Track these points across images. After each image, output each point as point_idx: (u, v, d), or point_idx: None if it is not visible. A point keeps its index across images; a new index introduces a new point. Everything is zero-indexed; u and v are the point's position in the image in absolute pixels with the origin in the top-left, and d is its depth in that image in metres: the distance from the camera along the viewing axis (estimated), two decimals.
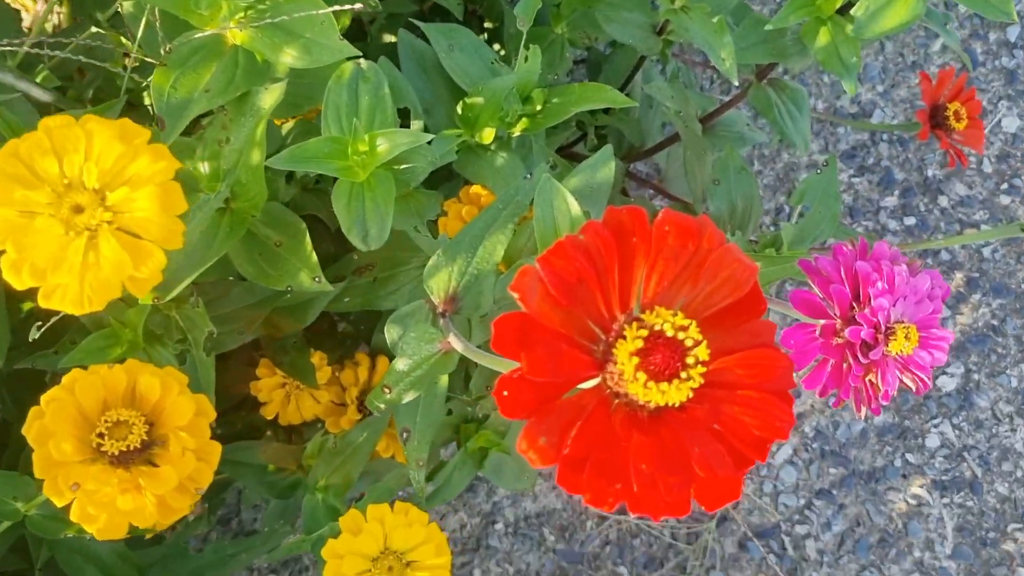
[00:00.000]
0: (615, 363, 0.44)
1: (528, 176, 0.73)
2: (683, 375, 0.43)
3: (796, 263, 0.69)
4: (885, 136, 1.57)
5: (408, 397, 0.67)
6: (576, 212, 0.61)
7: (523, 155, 0.87)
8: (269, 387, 0.92)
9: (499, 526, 1.35)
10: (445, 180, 0.93)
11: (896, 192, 1.55)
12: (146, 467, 0.62)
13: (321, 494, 0.85)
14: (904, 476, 1.43)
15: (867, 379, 0.65)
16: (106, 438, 0.61)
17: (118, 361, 0.65)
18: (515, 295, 0.43)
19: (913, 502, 1.42)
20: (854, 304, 0.65)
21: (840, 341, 0.65)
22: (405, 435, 0.71)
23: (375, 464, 0.92)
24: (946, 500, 1.43)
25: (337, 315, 1.14)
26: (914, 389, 0.66)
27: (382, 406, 0.69)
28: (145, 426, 0.62)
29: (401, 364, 0.65)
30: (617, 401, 0.44)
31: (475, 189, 0.84)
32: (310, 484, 0.86)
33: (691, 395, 0.43)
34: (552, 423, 0.42)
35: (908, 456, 1.45)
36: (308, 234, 0.77)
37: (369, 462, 0.91)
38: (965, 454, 1.45)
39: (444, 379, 0.73)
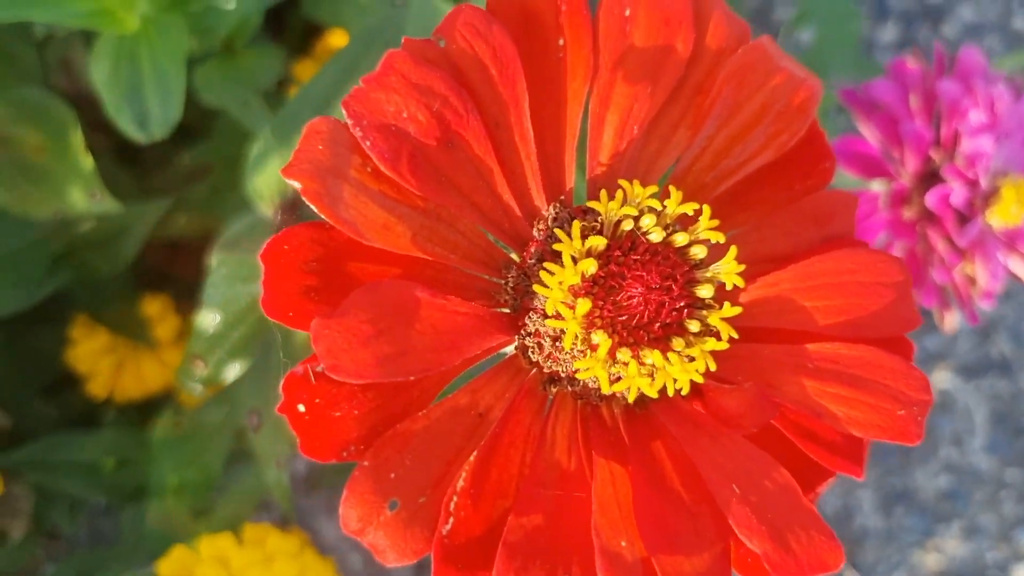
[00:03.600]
0: (542, 313, 0.20)
1: (401, 1, 0.47)
2: (692, 326, 0.19)
3: (836, 93, 0.44)
4: None
5: (232, 372, 0.43)
6: None
7: None
8: (91, 353, 0.66)
9: None
10: (305, 35, 0.66)
11: (892, 22, 1.31)
12: None
13: (173, 497, 0.61)
14: (922, 364, 1.23)
15: (961, 270, 0.41)
16: None
17: None
18: (296, 184, 0.19)
19: (936, 394, 1.22)
20: (931, 152, 0.40)
21: (913, 213, 0.40)
22: (255, 420, 0.47)
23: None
24: (973, 386, 1.23)
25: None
26: None
27: (199, 387, 0.44)
28: None
29: (209, 320, 0.40)
30: (555, 392, 0.20)
31: (336, 40, 0.57)
32: (155, 484, 0.61)
33: (713, 367, 0.19)
34: (408, 467, 0.19)
35: (926, 342, 1.24)
36: (79, 127, 0.50)
37: (245, 440, 0.67)
38: (991, 331, 1.24)
39: None
